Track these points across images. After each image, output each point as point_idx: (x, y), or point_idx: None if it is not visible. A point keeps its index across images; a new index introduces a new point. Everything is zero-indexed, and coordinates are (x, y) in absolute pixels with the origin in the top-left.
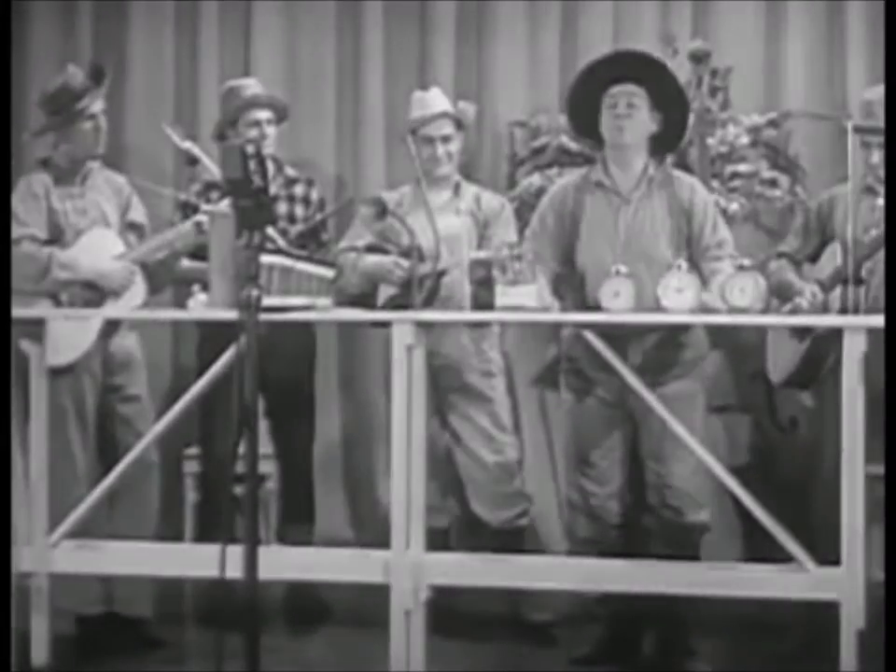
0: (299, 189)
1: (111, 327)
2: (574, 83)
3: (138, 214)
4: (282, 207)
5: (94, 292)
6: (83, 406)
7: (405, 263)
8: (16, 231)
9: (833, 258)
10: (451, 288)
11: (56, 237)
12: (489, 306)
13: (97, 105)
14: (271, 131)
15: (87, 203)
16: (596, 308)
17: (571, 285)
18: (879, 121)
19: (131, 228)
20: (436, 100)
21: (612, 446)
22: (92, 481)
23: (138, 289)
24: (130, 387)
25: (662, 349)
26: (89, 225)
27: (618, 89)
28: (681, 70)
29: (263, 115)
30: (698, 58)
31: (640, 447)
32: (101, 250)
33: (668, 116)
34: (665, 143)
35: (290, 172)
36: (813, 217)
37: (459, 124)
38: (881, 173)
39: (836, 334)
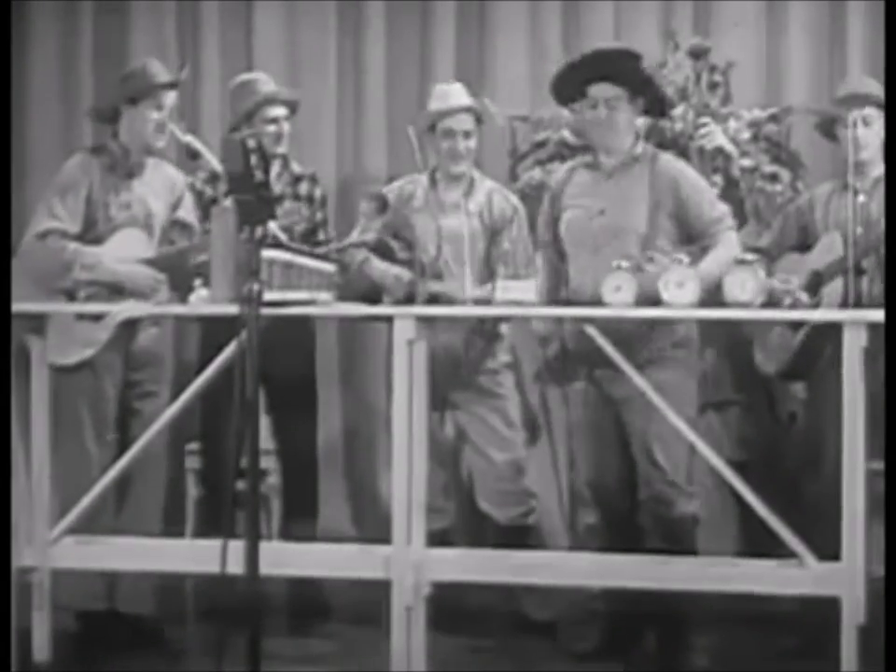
0: (303, 188)
1: (129, 327)
2: (553, 84)
3: (188, 213)
4: (287, 206)
5: (116, 295)
6: (100, 402)
7: (405, 278)
8: (45, 224)
9: (831, 248)
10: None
11: (88, 230)
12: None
13: (171, 97)
14: (287, 128)
15: (133, 198)
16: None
17: (550, 258)
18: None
19: (179, 227)
20: (460, 94)
21: (610, 441)
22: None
23: (162, 297)
24: (148, 384)
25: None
26: (129, 220)
27: (595, 89)
28: (681, 66)
29: (280, 112)
30: (696, 54)
31: (635, 440)
32: (128, 252)
33: (649, 100)
34: (654, 113)
35: (296, 168)
36: (792, 216)
37: (479, 121)
38: (866, 169)
39: (832, 326)
